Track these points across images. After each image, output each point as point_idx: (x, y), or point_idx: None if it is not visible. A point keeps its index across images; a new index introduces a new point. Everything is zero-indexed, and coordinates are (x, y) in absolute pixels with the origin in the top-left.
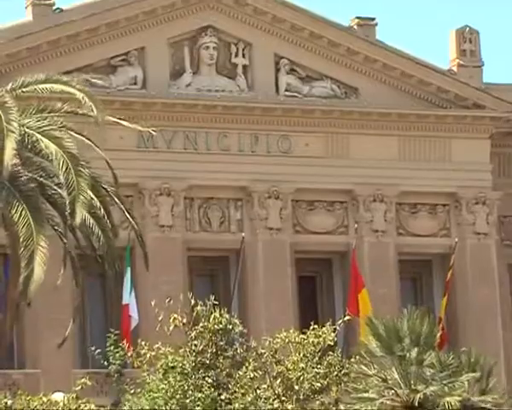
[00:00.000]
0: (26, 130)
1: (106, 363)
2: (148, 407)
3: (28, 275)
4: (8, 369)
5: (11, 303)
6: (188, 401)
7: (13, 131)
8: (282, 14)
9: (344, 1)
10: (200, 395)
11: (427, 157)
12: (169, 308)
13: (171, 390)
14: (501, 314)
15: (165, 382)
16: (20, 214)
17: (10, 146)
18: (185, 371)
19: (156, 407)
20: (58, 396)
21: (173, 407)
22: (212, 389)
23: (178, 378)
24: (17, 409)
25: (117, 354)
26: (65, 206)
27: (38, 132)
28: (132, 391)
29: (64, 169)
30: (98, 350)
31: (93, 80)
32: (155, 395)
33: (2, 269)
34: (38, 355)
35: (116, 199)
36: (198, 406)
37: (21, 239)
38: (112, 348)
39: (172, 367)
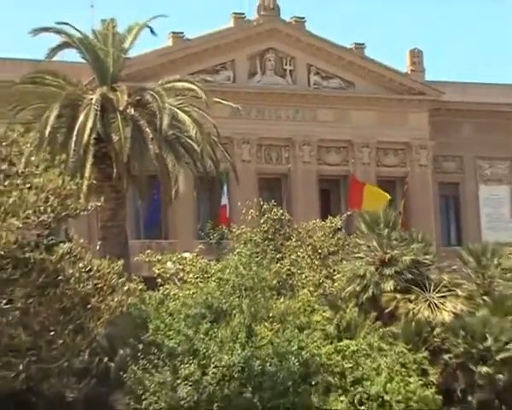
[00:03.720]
0: (168, 106)
1: (212, 237)
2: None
3: (177, 190)
4: (159, 239)
5: (164, 204)
6: (258, 258)
7: (166, 109)
8: (312, 42)
9: (345, 30)
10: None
11: (393, 122)
12: (247, 207)
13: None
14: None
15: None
16: (168, 155)
17: (166, 119)
18: (257, 242)
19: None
20: (186, 254)
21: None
22: (273, 251)
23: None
24: (163, 260)
25: (216, 232)
26: (190, 148)
27: (176, 108)
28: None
29: (194, 132)
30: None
31: (206, 78)
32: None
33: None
34: (176, 232)
35: (219, 145)
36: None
37: (169, 169)
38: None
39: (250, 239)
